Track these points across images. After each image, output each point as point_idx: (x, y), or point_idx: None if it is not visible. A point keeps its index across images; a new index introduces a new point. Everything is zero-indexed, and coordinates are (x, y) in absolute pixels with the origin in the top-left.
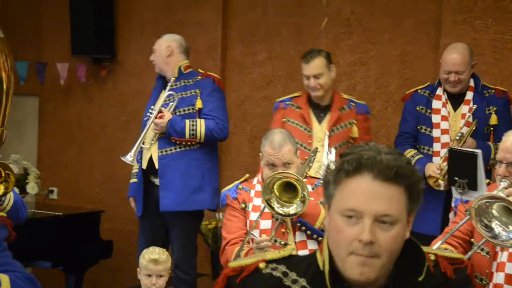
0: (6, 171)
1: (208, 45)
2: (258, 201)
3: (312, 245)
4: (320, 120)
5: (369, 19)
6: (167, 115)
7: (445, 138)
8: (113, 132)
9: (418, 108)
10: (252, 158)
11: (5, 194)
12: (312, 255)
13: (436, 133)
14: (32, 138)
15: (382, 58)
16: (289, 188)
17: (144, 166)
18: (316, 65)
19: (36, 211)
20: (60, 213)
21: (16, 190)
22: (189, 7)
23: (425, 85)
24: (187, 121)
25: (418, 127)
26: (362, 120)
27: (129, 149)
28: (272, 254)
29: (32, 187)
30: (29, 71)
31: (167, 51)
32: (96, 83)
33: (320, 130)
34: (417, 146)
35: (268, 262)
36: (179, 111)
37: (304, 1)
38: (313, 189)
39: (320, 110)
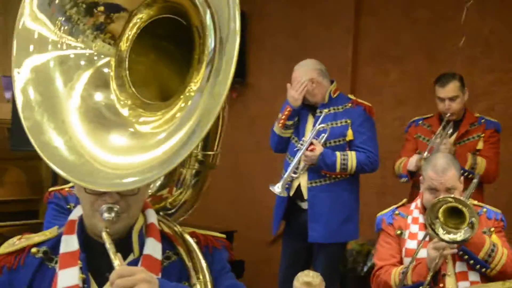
0: None
1: (338, 65)
2: (415, 228)
3: (473, 277)
4: (449, 136)
5: (510, 37)
6: (319, 148)
7: None
8: (243, 153)
9: None
10: (381, 179)
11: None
12: None
13: None
14: None
15: None
16: (454, 214)
17: (292, 193)
18: (452, 88)
19: None
20: None
21: None
22: (319, 29)
23: None
24: (338, 154)
25: None
26: (489, 135)
27: (260, 170)
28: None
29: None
30: None
31: (311, 85)
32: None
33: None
34: None
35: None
36: (329, 142)
37: (438, 20)
38: None
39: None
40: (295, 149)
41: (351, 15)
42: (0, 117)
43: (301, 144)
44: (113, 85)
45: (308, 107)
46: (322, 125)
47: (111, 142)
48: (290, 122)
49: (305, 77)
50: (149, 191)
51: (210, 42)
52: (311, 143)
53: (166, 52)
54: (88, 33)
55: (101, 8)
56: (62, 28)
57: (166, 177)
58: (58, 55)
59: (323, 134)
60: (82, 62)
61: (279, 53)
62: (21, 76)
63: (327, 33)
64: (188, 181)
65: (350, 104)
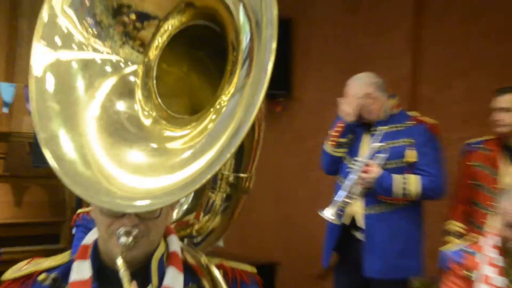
0: None
1: (395, 78)
2: (492, 271)
3: None
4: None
5: None
6: (376, 170)
7: None
8: (286, 174)
9: None
10: (445, 207)
11: None
12: None
13: None
14: None
15: None
16: None
17: (347, 221)
18: (508, 99)
19: None
20: None
21: None
22: (373, 36)
23: None
24: (398, 177)
25: None
26: None
27: (306, 194)
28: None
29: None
30: None
31: (369, 101)
32: (270, 120)
33: (508, 173)
34: None
35: None
36: (388, 164)
37: None
38: None
39: None
40: (348, 170)
41: (410, 21)
42: (21, 130)
43: (356, 165)
44: (138, 94)
45: (364, 125)
46: (380, 144)
47: (131, 159)
48: (343, 140)
49: (360, 92)
50: (174, 216)
51: (245, 47)
52: (367, 164)
53: (197, 62)
54: (117, 38)
55: (133, 16)
56: (90, 30)
57: (193, 201)
58: (82, 58)
59: (380, 154)
60: (108, 69)
61: (328, 62)
62: (39, 70)
63: (382, 42)
64: (218, 207)
65: (412, 122)
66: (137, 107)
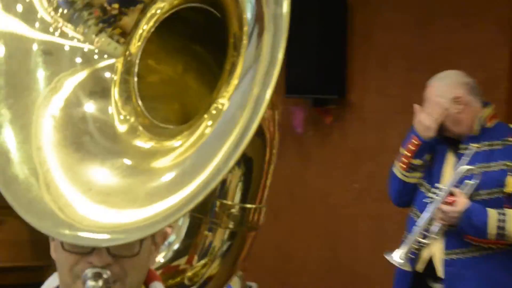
0: None
1: (487, 78)
2: None
3: None
4: None
5: None
6: (462, 201)
7: None
8: (339, 205)
9: None
10: None
11: None
12: None
13: None
14: None
15: None
16: None
17: (421, 268)
18: None
19: None
20: None
21: None
22: (457, 24)
23: None
24: (493, 213)
25: None
26: None
27: (366, 231)
28: None
29: (234, 282)
30: None
31: (458, 107)
32: (317, 135)
33: None
34: None
35: None
36: (479, 194)
37: None
38: None
39: None
40: (425, 201)
41: (506, 5)
42: None
43: (435, 194)
44: (114, 95)
45: (447, 140)
46: (469, 167)
47: (99, 180)
48: (418, 162)
49: (447, 95)
50: (160, 259)
51: (250, 29)
52: (451, 193)
53: (191, 57)
54: (91, 23)
55: (116, 5)
56: (60, 10)
57: (185, 240)
58: (46, 41)
59: (470, 181)
60: (78, 59)
61: (396, 58)
62: None
63: (470, 32)
64: (217, 248)
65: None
66: (111, 110)
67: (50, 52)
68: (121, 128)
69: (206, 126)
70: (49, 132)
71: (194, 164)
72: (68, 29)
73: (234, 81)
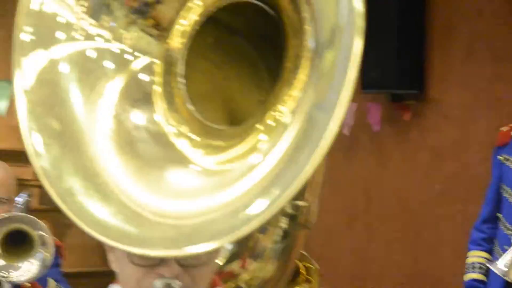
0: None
1: None
2: None
3: None
4: None
5: None
6: None
7: None
8: (419, 208)
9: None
10: None
11: None
12: None
13: None
14: None
15: None
16: None
17: None
18: None
19: None
20: None
21: None
22: None
23: None
24: None
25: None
26: None
27: (451, 236)
28: None
29: None
30: None
31: None
32: (395, 132)
33: None
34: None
35: None
36: None
37: None
38: None
39: None
40: None
41: None
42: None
43: None
44: (157, 100)
45: None
46: None
47: (167, 183)
48: None
49: None
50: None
51: (316, 35)
52: None
53: (239, 56)
54: (120, 14)
55: None
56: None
57: (237, 244)
58: (71, 52)
59: None
60: (109, 65)
61: (481, 49)
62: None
63: None
64: (270, 249)
65: None
66: (158, 117)
67: (77, 62)
68: (170, 133)
69: (258, 141)
70: (97, 140)
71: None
72: (91, 25)
73: (299, 81)
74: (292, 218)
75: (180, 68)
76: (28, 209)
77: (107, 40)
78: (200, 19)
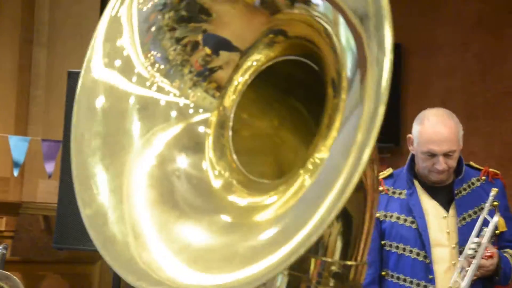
0: None
1: None
2: None
3: None
4: None
5: None
6: (495, 252)
7: None
8: None
9: None
10: None
11: None
12: None
13: None
14: None
15: None
16: None
17: None
18: None
19: None
20: None
21: None
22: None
23: None
24: (509, 258)
25: None
26: None
27: None
28: None
29: None
30: None
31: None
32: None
33: None
34: None
35: None
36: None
37: None
38: None
39: None
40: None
41: None
42: (35, 200)
43: (473, 249)
44: (208, 150)
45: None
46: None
47: (193, 238)
48: None
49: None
50: None
51: (350, 75)
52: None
53: (285, 109)
54: (187, 78)
55: (208, 50)
56: (156, 66)
57: None
58: (143, 95)
59: (486, 228)
60: (173, 113)
61: (456, 105)
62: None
63: None
64: None
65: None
66: (205, 165)
67: (146, 107)
68: (216, 184)
69: (303, 180)
70: (143, 190)
71: (296, 217)
72: (165, 84)
73: (333, 133)
74: (341, 278)
75: (231, 122)
76: (3, 261)
77: (175, 95)
78: (248, 78)
